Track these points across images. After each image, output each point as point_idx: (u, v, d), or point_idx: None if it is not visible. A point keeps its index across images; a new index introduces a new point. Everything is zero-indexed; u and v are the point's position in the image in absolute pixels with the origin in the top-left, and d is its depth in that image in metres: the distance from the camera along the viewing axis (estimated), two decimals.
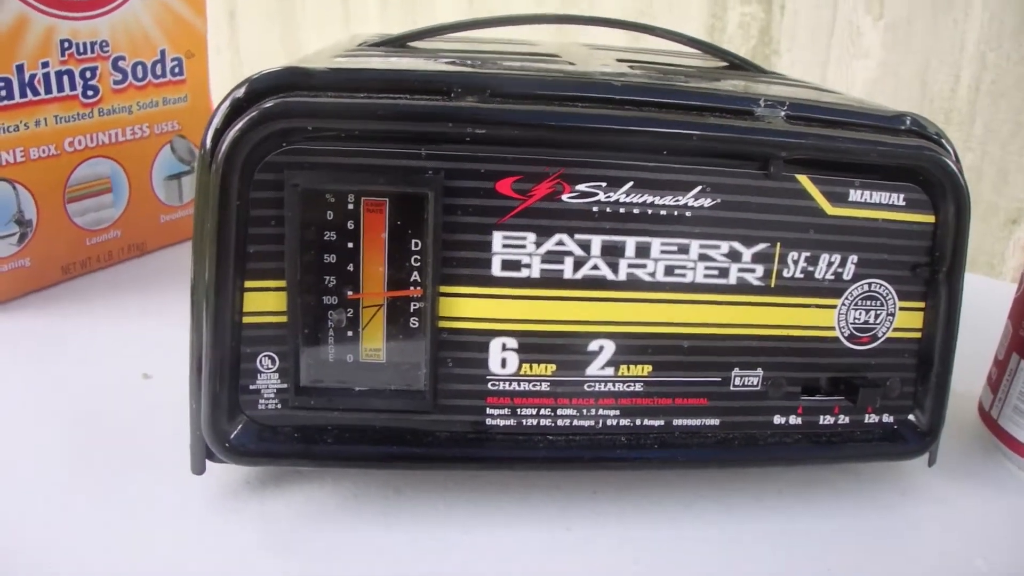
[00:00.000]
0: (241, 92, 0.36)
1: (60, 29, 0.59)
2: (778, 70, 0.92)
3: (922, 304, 0.42)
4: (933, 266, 0.41)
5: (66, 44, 0.60)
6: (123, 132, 0.65)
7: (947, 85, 0.86)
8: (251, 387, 0.39)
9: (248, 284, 0.37)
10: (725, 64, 0.54)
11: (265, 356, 0.39)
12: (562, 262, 0.38)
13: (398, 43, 0.48)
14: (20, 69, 0.57)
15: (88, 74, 0.61)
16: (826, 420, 0.42)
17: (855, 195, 0.39)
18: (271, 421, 0.39)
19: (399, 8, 1.10)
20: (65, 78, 0.60)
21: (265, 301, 0.38)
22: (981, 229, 0.87)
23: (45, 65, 0.59)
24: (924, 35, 0.85)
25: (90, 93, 0.62)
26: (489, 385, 0.39)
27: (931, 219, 0.40)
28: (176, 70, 0.68)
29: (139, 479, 0.42)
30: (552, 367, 0.39)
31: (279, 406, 0.39)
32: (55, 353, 0.55)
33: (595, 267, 0.38)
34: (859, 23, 0.88)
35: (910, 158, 0.39)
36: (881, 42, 0.87)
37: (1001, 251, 0.87)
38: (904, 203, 0.40)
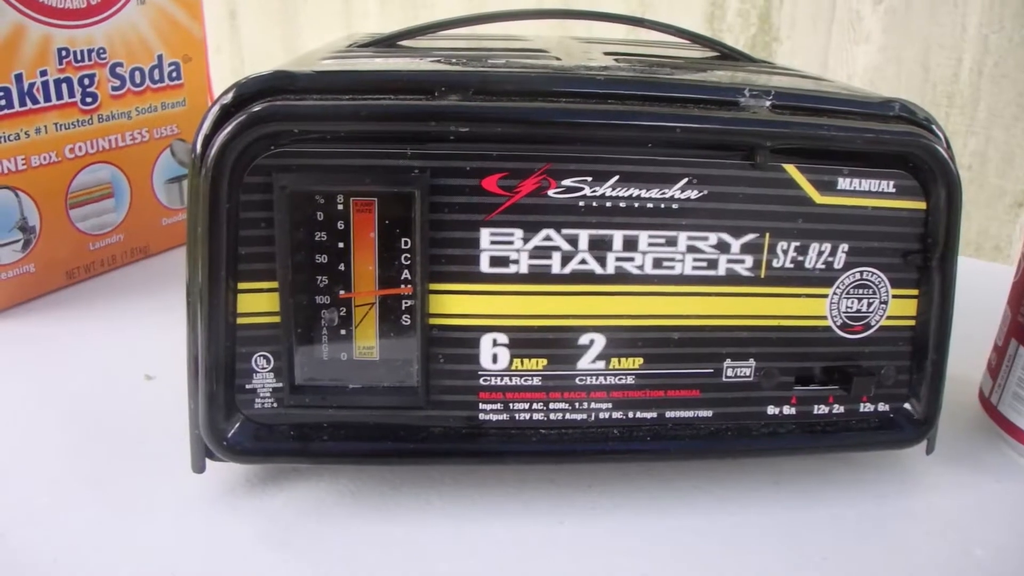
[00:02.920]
0: (229, 97, 0.36)
1: (57, 37, 0.60)
2: (778, 57, 0.92)
3: (915, 291, 0.42)
4: (925, 253, 0.41)
5: (63, 52, 0.60)
6: (123, 137, 0.66)
7: (949, 69, 0.85)
8: (247, 386, 0.39)
9: (241, 286, 0.38)
10: (715, 54, 0.54)
11: (260, 356, 0.39)
12: (550, 257, 0.38)
13: (388, 42, 0.48)
14: (19, 78, 0.58)
15: (86, 81, 0.62)
16: (820, 410, 0.42)
17: (844, 183, 0.39)
18: (267, 420, 0.40)
19: (399, 6, 1.11)
20: (64, 86, 0.61)
21: (258, 302, 0.38)
22: (987, 213, 0.87)
23: (43, 73, 0.59)
24: (925, 18, 0.85)
25: (89, 100, 0.62)
26: (481, 380, 0.40)
27: (922, 205, 0.40)
28: (174, 75, 0.69)
29: (141, 477, 0.43)
30: (543, 362, 0.40)
31: (275, 405, 0.39)
32: (60, 357, 0.55)
33: (583, 261, 0.39)
34: (859, 8, 0.88)
35: (898, 144, 0.39)
36: (882, 27, 0.87)
37: (1008, 234, 0.87)
38: (894, 190, 0.40)
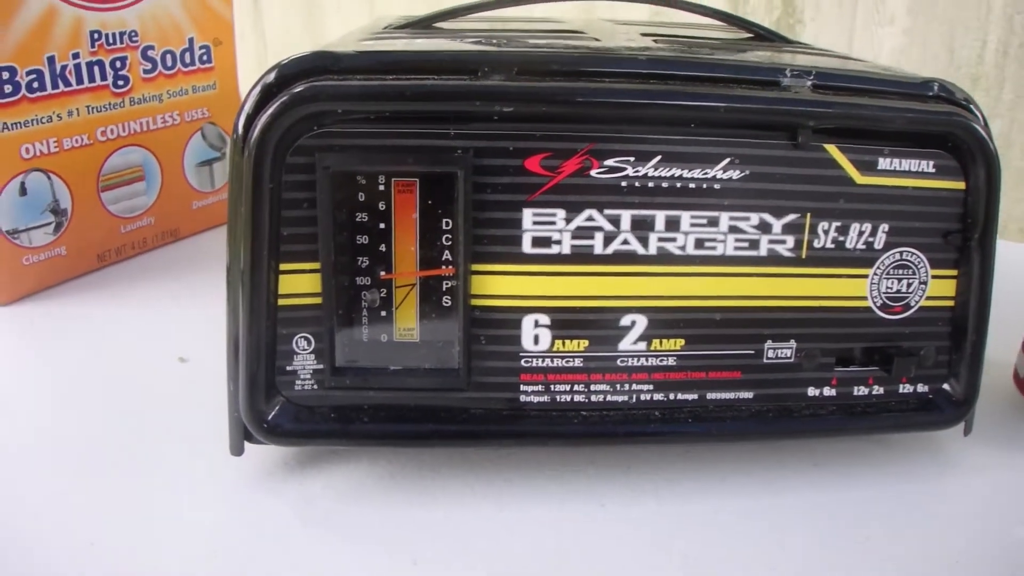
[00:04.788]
0: (272, 77, 0.36)
1: (89, 20, 0.60)
2: (803, 40, 0.92)
3: (955, 272, 0.41)
4: (965, 233, 0.41)
5: (96, 35, 0.60)
6: (154, 120, 0.66)
7: (974, 50, 0.85)
8: (288, 368, 0.39)
9: (283, 266, 0.38)
10: (749, 35, 0.54)
11: (301, 337, 0.39)
12: (592, 237, 0.38)
13: (423, 24, 0.48)
14: (51, 60, 0.58)
15: (118, 64, 0.62)
16: (860, 391, 0.42)
17: (884, 163, 0.39)
18: (308, 401, 0.40)
19: None
20: (96, 68, 0.61)
21: (300, 283, 0.38)
22: (1013, 196, 0.86)
23: (76, 56, 0.59)
24: (950, 0, 0.84)
25: (120, 83, 0.63)
26: (522, 362, 0.40)
27: (961, 185, 0.40)
28: (205, 58, 0.69)
29: (178, 461, 0.43)
30: (585, 343, 0.40)
31: (315, 386, 0.40)
32: (93, 339, 0.55)
33: (625, 242, 0.39)
34: None
35: (939, 124, 0.39)
36: (907, 8, 0.86)
37: None
38: (934, 170, 0.40)
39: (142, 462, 0.43)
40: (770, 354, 0.41)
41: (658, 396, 0.41)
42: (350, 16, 1.12)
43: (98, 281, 0.64)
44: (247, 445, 0.41)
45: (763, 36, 0.53)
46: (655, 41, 0.45)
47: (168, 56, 0.66)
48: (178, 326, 0.56)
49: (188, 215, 0.71)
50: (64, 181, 0.60)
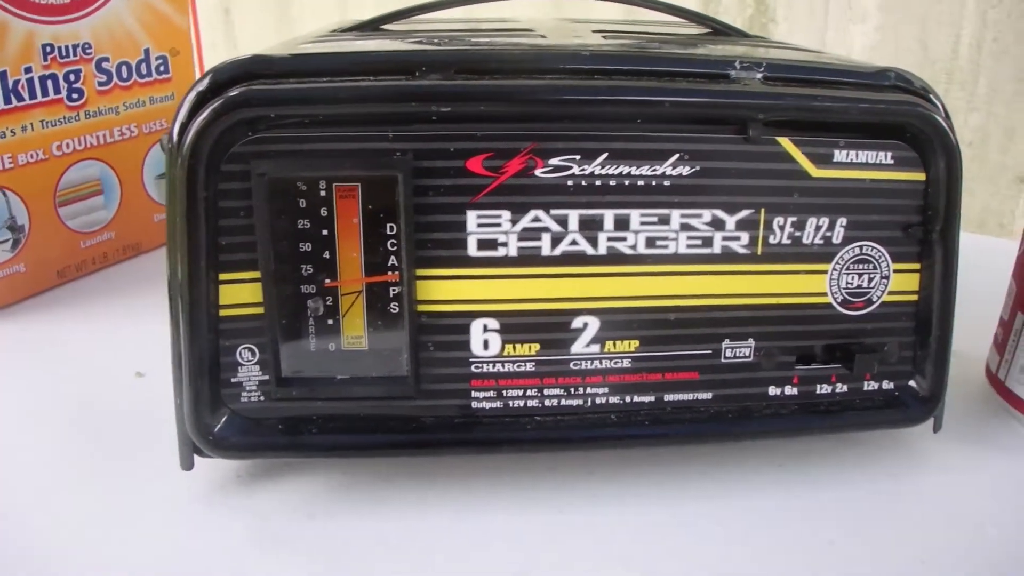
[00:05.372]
0: (204, 83, 0.36)
1: (41, 34, 0.59)
2: (775, 39, 0.91)
3: (917, 265, 0.41)
4: (926, 225, 0.40)
5: (48, 48, 0.59)
6: (111, 133, 0.65)
7: (948, 45, 0.84)
8: (232, 380, 0.38)
9: (222, 276, 0.37)
10: (708, 31, 0.53)
11: (244, 348, 0.38)
12: (539, 239, 0.37)
13: (371, 27, 0.48)
14: (3, 75, 0.57)
15: (72, 77, 0.61)
16: (823, 389, 0.41)
17: (840, 155, 0.38)
18: (254, 414, 0.39)
19: None
20: (49, 82, 0.60)
21: (241, 293, 0.37)
22: (990, 190, 0.86)
23: (28, 70, 0.58)
24: None
25: (75, 96, 0.62)
26: (473, 368, 0.39)
27: (921, 177, 0.39)
28: (161, 68, 0.68)
29: (131, 476, 0.42)
30: (536, 347, 0.39)
31: (262, 398, 0.39)
32: (52, 357, 0.55)
33: (573, 242, 0.38)
34: None
35: (895, 114, 0.38)
36: (879, 5, 0.86)
37: (1011, 210, 0.86)
38: (892, 161, 0.39)
39: (96, 479, 0.42)
40: (728, 353, 0.40)
41: (614, 399, 0.40)
42: (322, 21, 1.11)
43: (59, 298, 0.63)
44: (199, 460, 0.40)
45: (721, 31, 0.52)
46: (604, 37, 0.44)
47: (123, 68, 0.65)
48: (139, 341, 0.55)
49: (150, 229, 0.70)
50: (20, 197, 0.59)
